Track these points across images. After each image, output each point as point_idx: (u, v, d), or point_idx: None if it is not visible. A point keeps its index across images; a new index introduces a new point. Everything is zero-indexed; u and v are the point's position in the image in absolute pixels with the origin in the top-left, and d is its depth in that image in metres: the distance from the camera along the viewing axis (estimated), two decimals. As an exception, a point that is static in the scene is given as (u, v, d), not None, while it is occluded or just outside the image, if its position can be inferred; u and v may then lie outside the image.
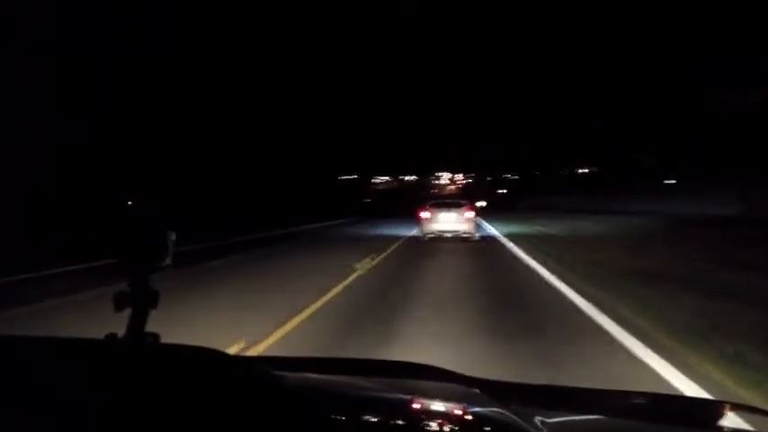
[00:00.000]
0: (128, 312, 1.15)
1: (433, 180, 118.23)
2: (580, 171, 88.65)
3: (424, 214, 17.85)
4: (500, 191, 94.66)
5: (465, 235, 17.42)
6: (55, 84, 20.83)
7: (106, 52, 22.48)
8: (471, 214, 17.69)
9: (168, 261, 1.19)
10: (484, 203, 62.25)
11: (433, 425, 0.98)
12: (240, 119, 34.33)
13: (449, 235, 17.42)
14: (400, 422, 1.02)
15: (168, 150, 26.41)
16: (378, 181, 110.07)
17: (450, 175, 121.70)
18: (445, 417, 1.08)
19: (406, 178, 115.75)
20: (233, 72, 33.52)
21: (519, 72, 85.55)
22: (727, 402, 1.53)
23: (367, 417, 0.99)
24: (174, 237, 1.21)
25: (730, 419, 1.38)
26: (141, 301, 1.13)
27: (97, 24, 22.57)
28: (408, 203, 44.46)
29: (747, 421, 1.53)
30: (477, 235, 18.25)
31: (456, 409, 1.15)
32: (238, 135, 34.00)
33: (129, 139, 24.44)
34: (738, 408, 1.52)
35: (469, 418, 1.10)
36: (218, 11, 32.81)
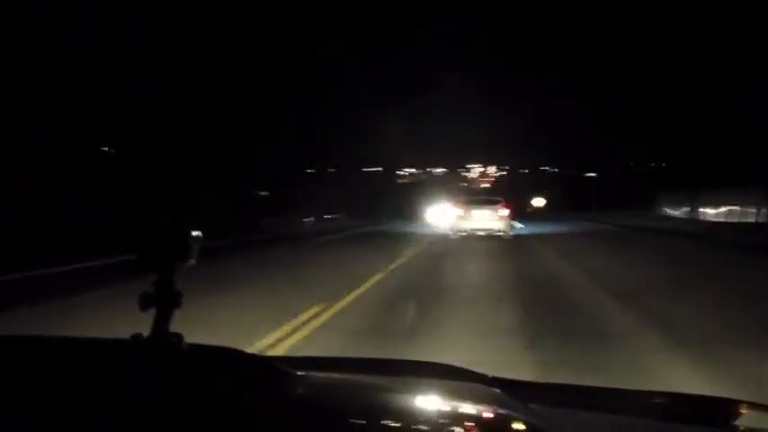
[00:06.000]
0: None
1: (463, 173, 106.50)
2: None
3: (456, 211, 17.63)
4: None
5: (498, 233, 16.90)
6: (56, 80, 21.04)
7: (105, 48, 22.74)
8: (505, 212, 17.27)
9: (193, 261, 1.18)
10: (543, 202, 48.91)
11: (456, 429, 0.98)
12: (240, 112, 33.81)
13: (481, 233, 16.91)
14: (422, 427, 1.00)
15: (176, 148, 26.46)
16: (403, 173, 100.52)
17: (482, 168, 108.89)
18: (467, 420, 1.08)
19: (435, 171, 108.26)
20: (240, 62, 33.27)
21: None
22: (744, 402, 1.53)
23: (386, 420, 1.00)
24: (197, 235, 1.21)
25: (747, 419, 1.39)
26: (165, 301, 1.13)
27: (100, 22, 22.79)
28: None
29: (765, 421, 1.52)
30: (511, 233, 17.70)
31: (478, 411, 1.15)
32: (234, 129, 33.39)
33: (148, 138, 24.59)
34: (756, 407, 1.52)
35: (493, 421, 1.10)
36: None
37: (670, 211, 34.43)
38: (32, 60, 19.95)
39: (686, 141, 41.00)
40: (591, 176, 69.62)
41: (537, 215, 40.90)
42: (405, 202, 45.22)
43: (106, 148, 26.29)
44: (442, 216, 26.79)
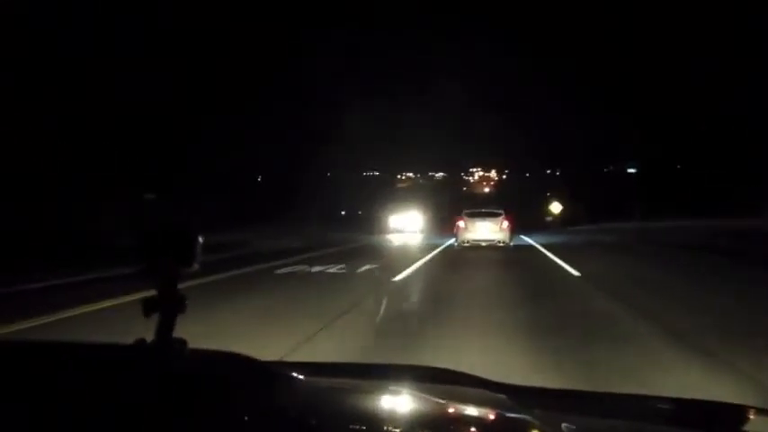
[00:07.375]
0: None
1: (465, 177, 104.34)
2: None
3: (460, 223, 18.93)
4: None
5: (500, 244, 18.23)
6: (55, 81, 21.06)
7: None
8: (507, 224, 18.55)
9: (196, 266, 1.16)
10: (560, 208, 41.34)
11: None
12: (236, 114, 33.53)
13: (484, 244, 18.31)
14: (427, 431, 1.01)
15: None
16: (401, 178, 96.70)
17: (481, 173, 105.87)
18: (474, 425, 1.08)
19: (436, 175, 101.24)
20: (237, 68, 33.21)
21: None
22: (752, 407, 1.51)
23: (388, 425, 1.00)
24: (201, 241, 1.19)
25: (755, 424, 1.37)
26: (169, 307, 1.12)
27: (100, 22, 22.88)
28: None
29: None
30: (512, 244, 18.86)
31: (485, 416, 1.14)
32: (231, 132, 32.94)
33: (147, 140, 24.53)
34: (764, 412, 1.50)
35: (499, 426, 1.09)
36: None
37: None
38: (32, 60, 19.97)
39: (685, 141, 40.89)
40: (631, 173, 54.19)
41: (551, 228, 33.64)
42: (381, 210, 35.45)
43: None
44: (414, 228, 23.49)
